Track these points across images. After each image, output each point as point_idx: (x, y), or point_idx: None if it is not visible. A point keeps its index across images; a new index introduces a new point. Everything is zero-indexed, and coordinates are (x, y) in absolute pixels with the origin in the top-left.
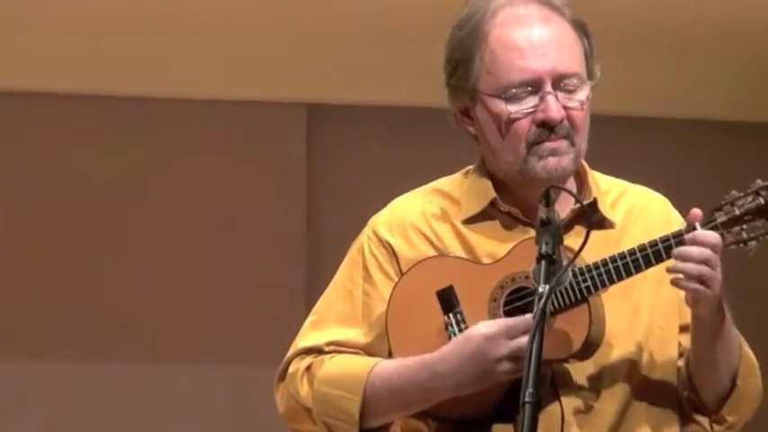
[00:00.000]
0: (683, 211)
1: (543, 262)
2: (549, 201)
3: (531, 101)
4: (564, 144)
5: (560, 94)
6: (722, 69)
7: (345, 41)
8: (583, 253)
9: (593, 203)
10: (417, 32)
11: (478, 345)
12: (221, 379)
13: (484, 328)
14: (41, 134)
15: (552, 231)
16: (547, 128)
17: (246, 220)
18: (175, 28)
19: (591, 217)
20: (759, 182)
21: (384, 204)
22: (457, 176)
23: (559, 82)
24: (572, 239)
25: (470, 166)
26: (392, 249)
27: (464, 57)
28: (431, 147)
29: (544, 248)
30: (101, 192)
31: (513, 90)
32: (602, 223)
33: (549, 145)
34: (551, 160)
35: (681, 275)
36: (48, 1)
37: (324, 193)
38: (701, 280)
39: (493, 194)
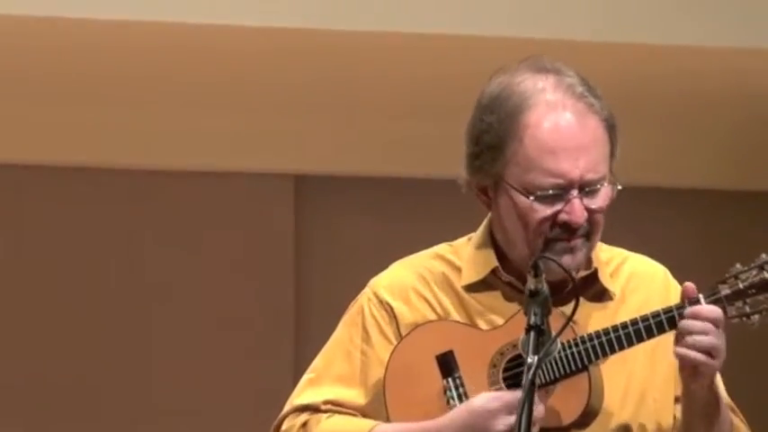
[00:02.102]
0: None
1: (532, 333)
2: (537, 271)
3: (557, 203)
4: (580, 242)
5: (585, 198)
6: (705, 138)
7: (332, 113)
8: (581, 324)
9: (594, 274)
10: (404, 105)
11: (479, 419)
12: None
13: (485, 401)
14: (30, 206)
15: (540, 302)
16: (567, 229)
17: (234, 291)
18: (162, 100)
19: (588, 289)
20: (764, 256)
21: (372, 275)
22: (460, 243)
23: (585, 186)
24: (569, 310)
25: (473, 234)
26: (392, 312)
27: (494, 143)
28: (419, 218)
29: (533, 319)
30: (85, 262)
31: (540, 192)
32: (602, 294)
33: (566, 244)
34: (566, 258)
35: (685, 349)
36: (43, 73)
37: (312, 265)
38: (708, 352)
39: (495, 263)
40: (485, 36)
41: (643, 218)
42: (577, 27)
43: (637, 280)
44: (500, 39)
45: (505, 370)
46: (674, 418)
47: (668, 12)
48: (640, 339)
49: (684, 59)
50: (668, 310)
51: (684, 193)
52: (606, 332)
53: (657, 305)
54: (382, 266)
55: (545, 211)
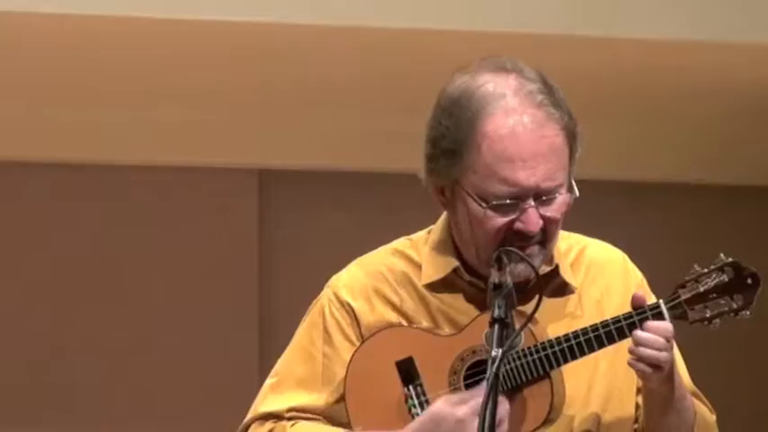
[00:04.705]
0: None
1: (496, 326)
2: (501, 264)
3: (512, 212)
4: (535, 249)
5: (540, 206)
6: (671, 132)
7: (296, 107)
8: (542, 317)
9: (555, 270)
10: (369, 99)
11: (450, 427)
12: None
13: (452, 407)
14: None
15: (504, 295)
16: (522, 237)
17: (199, 286)
18: (124, 96)
19: (549, 284)
20: (722, 257)
21: (337, 270)
22: (419, 237)
23: (542, 195)
24: (533, 306)
25: (432, 227)
26: (353, 312)
27: (451, 148)
28: (383, 212)
29: (497, 312)
30: (51, 258)
31: (496, 201)
32: (564, 289)
33: (521, 252)
34: (520, 266)
35: (635, 361)
36: (7, 68)
37: (276, 259)
38: (654, 365)
39: (455, 263)
40: (449, 30)
41: (608, 211)
42: (545, 21)
43: (596, 269)
44: (466, 32)
45: (466, 377)
46: (637, 406)
47: (637, 5)
48: (601, 345)
49: (651, 53)
50: (628, 316)
51: (650, 186)
52: (567, 338)
53: (617, 292)
54: (347, 261)
55: (500, 219)
